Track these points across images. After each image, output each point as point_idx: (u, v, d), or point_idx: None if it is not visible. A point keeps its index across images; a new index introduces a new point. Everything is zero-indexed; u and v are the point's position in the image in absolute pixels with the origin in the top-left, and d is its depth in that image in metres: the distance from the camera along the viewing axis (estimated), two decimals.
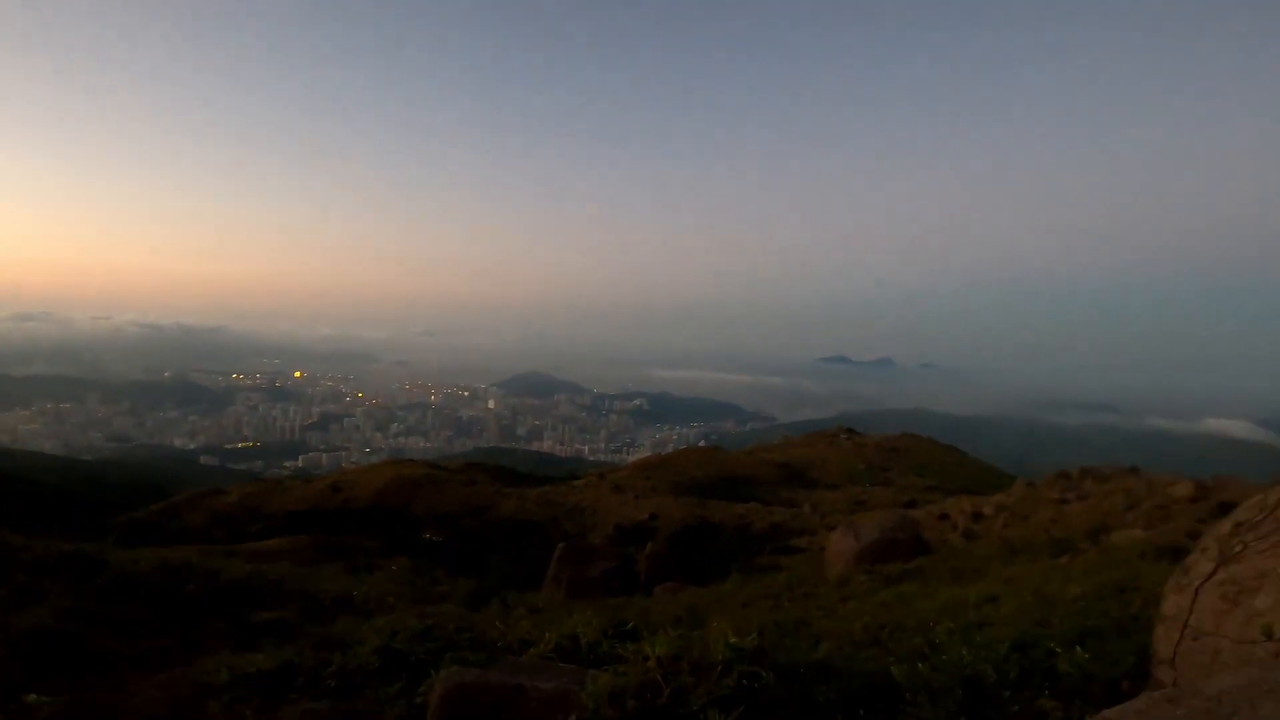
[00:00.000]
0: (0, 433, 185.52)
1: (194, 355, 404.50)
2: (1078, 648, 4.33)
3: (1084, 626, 4.93)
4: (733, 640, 4.09)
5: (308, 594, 10.75)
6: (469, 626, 6.58)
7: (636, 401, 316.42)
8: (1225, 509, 12.54)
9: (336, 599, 10.94)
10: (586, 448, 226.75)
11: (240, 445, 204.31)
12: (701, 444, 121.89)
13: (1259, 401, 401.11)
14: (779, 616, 8.94)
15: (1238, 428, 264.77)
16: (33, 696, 5.01)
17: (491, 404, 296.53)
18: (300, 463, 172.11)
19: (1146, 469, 26.45)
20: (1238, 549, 3.69)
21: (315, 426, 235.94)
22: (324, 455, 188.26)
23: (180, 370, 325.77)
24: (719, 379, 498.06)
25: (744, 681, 3.82)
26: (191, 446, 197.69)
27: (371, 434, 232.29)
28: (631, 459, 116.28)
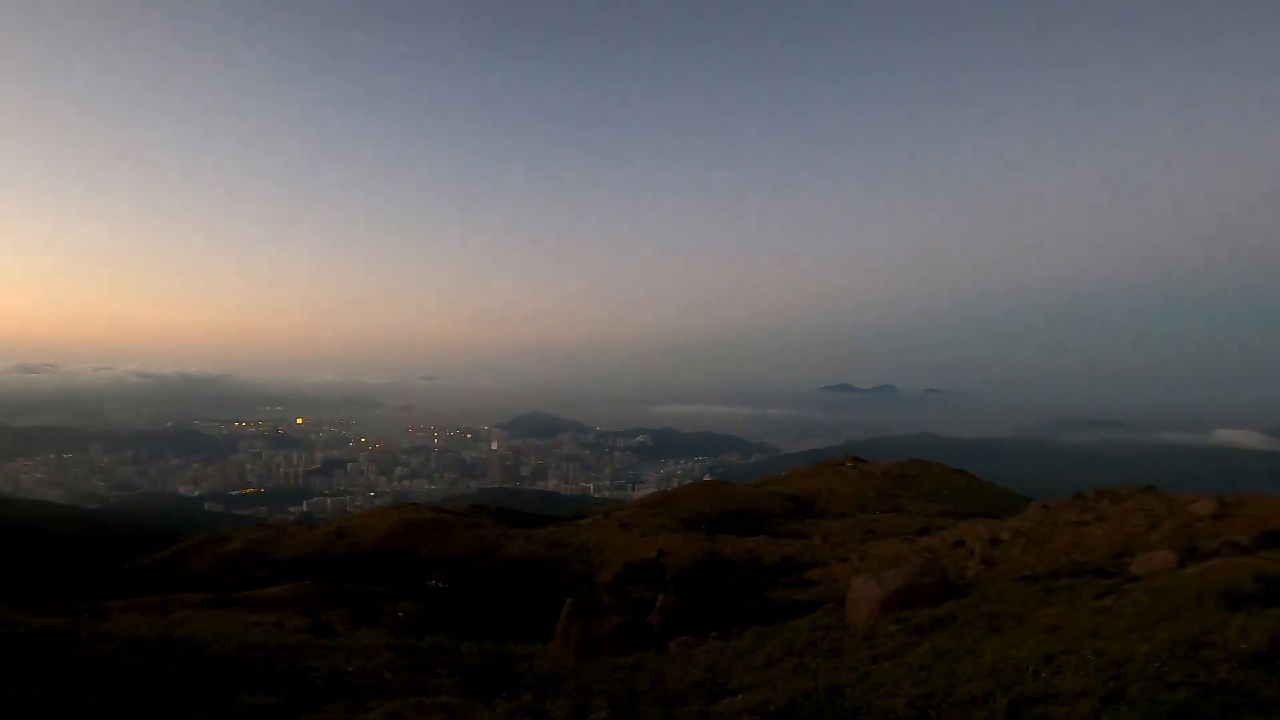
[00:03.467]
0: (4, 483, 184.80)
1: (196, 404, 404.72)
2: None
3: (1175, 703, 4.19)
4: None
5: (299, 672, 9.67)
6: None
7: (640, 438, 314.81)
8: (1274, 538, 12.12)
9: (329, 676, 9.77)
10: (591, 485, 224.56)
11: (244, 492, 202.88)
12: (707, 478, 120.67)
13: (1266, 410, 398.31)
14: (807, 683, 7.97)
15: (1247, 438, 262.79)
16: None
17: (495, 445, 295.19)
18: (305, 508, 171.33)
19: (1162, 486, 26.00)
20: None
21: (319, 472, 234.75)
22: (328, 500, 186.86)
23: (183, 419, 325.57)
24: (722, 412, 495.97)
25: None
26: (196, 494, 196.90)
27: (375, 478, 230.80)
28: (637, 496, 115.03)
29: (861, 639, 10.39)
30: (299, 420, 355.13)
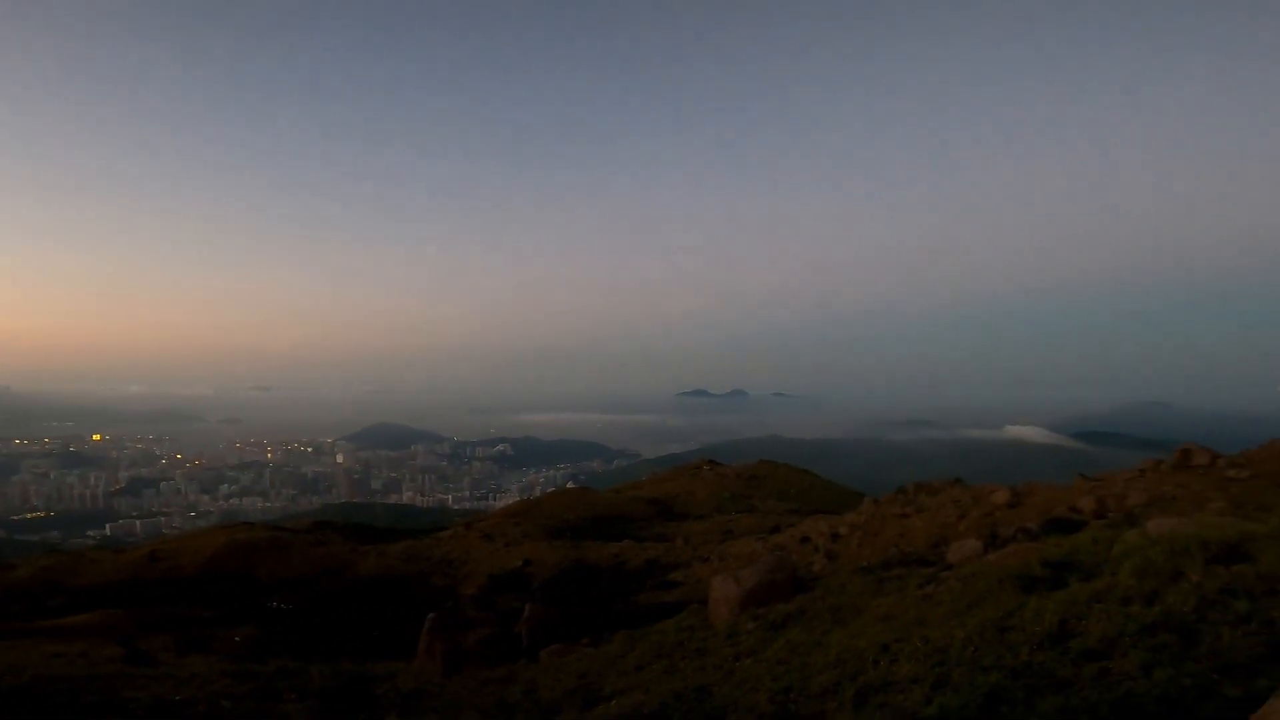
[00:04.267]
0: None
1: None
2: None
3: (989, 687, 4.69)
4: None
5: (114, 704, 8.37)
6: None
7: (500, 447, 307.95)
8: (1057, 525, 14.40)
9: (152, 708, 8.54)
10: (450, 497, 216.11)
11: (30, 516, 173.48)
12: (570, 485, 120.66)
13: (1049, 409, 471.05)
14: (677, 684, 8.32)
15: (1033, 433, 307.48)
16: None
17: (340, 458, 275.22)
18: (108, 531, 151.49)
19: (967, 478, 30.01)
20: None
21: (124, 492, 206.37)
22: (138, 522, 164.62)
23: None
24: (583, 419, 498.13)
25: None
26: None
27: (197, 497, 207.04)
28: (499, 505, 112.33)
29: (724, 637, 10.88)
30: (95, 436, 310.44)
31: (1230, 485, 15.79)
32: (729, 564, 25.36)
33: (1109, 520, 12.78)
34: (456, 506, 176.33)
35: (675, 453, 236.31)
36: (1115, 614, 5.20)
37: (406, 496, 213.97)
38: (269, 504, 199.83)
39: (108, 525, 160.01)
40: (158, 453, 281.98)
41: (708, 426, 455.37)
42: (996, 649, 5.39)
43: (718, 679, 8.13)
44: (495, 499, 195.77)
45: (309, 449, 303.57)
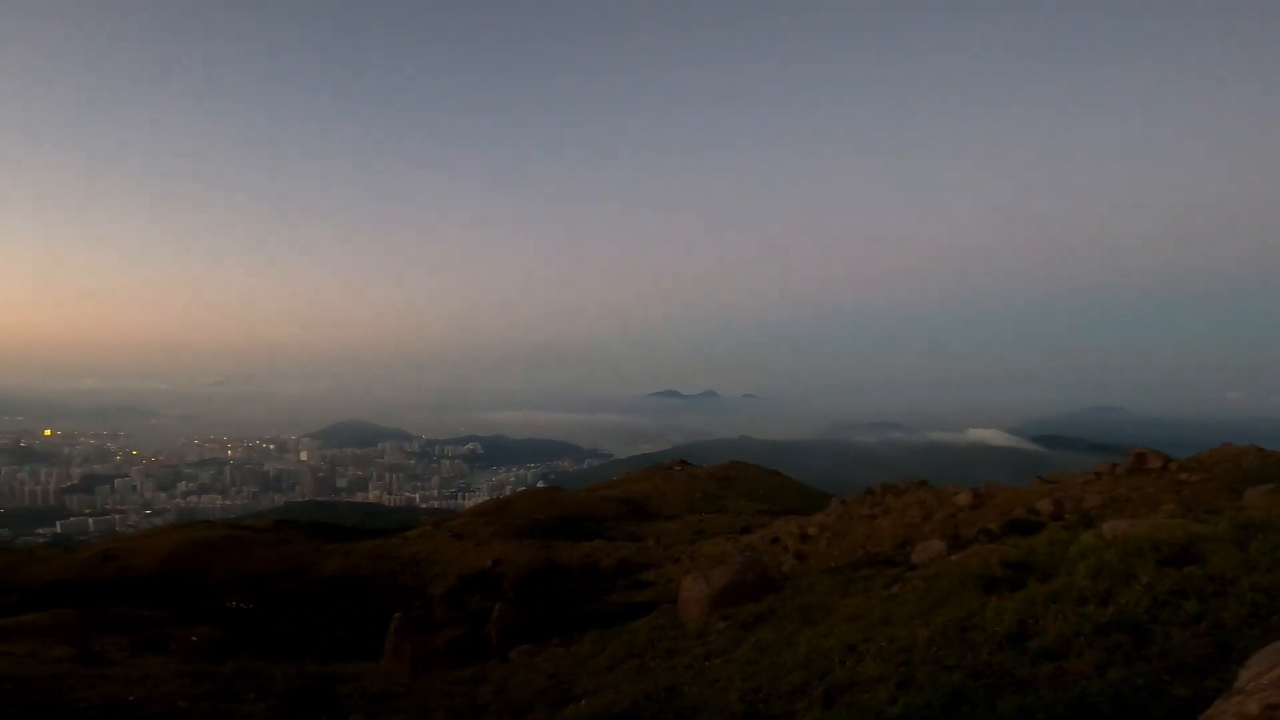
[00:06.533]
0: None
1: None
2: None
3: (952, 686, 4.79)
4: None
5: (63, 704, 8.14)
6: None
7: (469, 445, 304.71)
8: (1016, 526, 14.77)
9: (105, 708, 8.28)
10: (418, 496, 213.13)
11: None
12: (540, 484, 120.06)
13: (1009, 412, 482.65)
14: (648, 684, 8.37)
15: (994, 436, 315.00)
16: None
17: (304, 455, 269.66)
18: (59, 529, 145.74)
19: (931, 480, 30.68)
20: None
21: (76, 489, 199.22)
22: (90, 520, 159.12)
23: None
24: (554, 418, 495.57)
25: None
26: None
27: (153, 494, 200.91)
28: (469, 504, 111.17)
29: (695, 637, 11.02)
30: (46, 432, 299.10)
31: (1182, 488, 16.43)
32: (700, 564, 25.53)
33: (1066, 522, 13.19)
34: (425, 505, 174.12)
35: (647, 453, 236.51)
36: (1071, 614, 5.34)
37: (373, 495, 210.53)
38: (229, 502, 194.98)
39: (59, 523, 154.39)
40: (112, 449, 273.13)
41: (679, 427, 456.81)
42: (959, 648, 5.51)
43: (688, 678, 8.21)
44: (465, 498, 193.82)
45: (271, 446, 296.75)
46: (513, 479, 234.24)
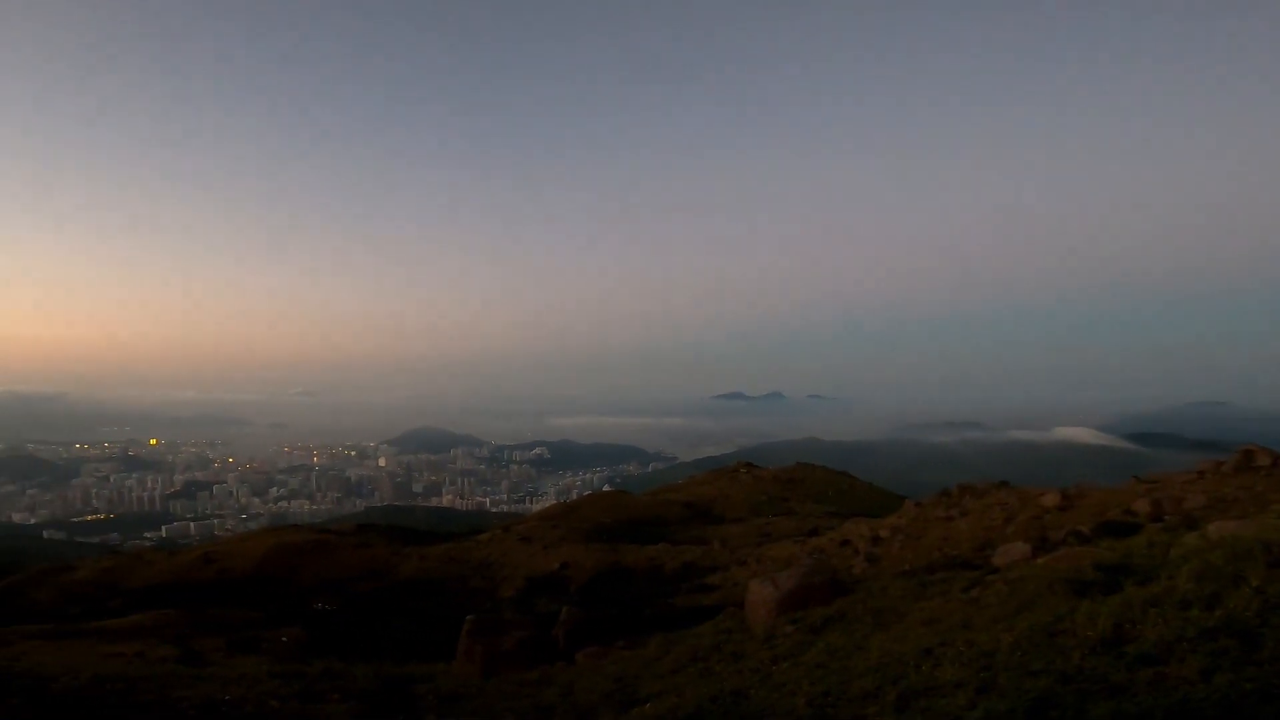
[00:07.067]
0: None
1: (29, 425, 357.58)
2: None
3: (1038, 692, 4.52)
4: None
5: (166, 704, 8.56)
6: None
7: (537, 450, 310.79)
8: (1110, 528, 13.87)
9: (203, 707, 8.73)
10: (488, 500, 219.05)
11: (90, 518, 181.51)
12: (606, 488, 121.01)
13: (1100, 409, 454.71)
14: (713, 687, 8.16)
15: (1083, 434, 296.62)
16: None
17: (382, 462, 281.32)
18: (164, 533, 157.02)
19: (1013, 480, 29.12)
20: None
21: (180, 495, 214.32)
22: (192, 525, 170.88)
23: (14, 442, 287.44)
24: (619, 423, 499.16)
25: None
26: (33, 521, 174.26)
27: (248, 500, 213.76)
28: (536, 508, 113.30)
29: (762, 640, 10.64)
30: (152, 441, 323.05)
31: None
32: (766, 567, 25.09)
33: (1166, 523, 12.25)
34: (495, 509, 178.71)
35: (712, 455, 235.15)
36: (1173, 618, 5.03)
37: (446, 499, 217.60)
38: (315, 507, 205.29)
39: (164, 527, 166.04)
40: (211, 456, 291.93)
41: (744, 429, 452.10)
42: (1046, 653, 5.25)
43: (754, 682, 7.99)
44: (532, 502, 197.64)
45: (352, 453, 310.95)
46: (579, 483, 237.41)
